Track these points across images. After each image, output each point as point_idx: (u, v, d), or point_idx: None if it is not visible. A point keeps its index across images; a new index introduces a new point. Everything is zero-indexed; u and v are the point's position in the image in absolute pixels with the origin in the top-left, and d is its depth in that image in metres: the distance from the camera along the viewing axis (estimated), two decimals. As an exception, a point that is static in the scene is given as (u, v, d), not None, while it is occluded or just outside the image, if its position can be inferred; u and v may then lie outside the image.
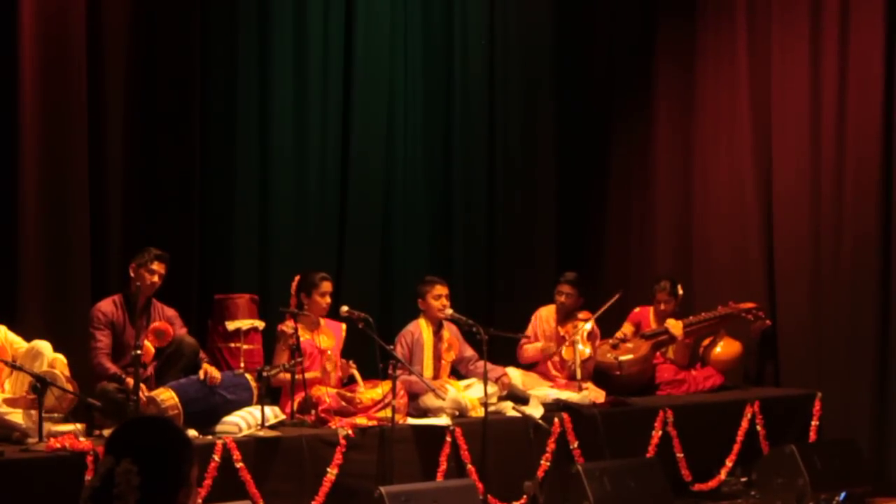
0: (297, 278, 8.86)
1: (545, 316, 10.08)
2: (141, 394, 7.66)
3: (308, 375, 8.46)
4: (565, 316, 9.98)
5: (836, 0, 10.24)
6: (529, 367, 9.95)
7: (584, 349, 9.70)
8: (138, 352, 7.69)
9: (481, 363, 8.97)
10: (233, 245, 10.00)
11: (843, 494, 9.03)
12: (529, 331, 10.06)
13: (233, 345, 9.13)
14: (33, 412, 7.43)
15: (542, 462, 8.70)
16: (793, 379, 10.33)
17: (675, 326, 10.02)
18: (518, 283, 11.24)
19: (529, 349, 9.92)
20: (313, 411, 8.36)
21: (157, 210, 9.47)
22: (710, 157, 11.09)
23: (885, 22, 9.94)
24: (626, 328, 10.21)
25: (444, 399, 8.68)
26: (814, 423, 9.89)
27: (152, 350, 8.09)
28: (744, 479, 9.40)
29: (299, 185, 10.38)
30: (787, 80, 10.55)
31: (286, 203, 10.30)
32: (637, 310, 10.39)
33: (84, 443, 7.19)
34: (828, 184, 10.27)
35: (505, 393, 9.06)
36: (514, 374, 9.56)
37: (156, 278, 8.30)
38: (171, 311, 8.50)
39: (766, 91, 10.70)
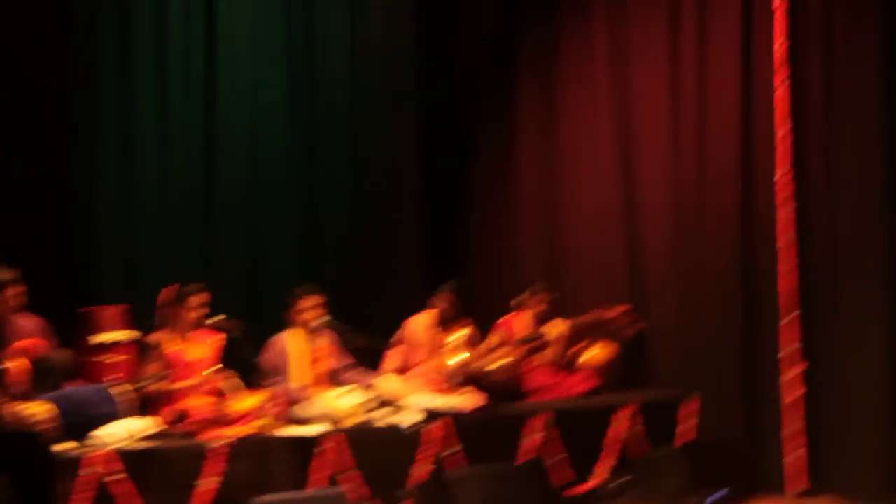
0: (166, 290, 8.72)
1: (417, 325, 10.03)
2: (9, 409, 7.47)
3: (179, 386, 8.32)
4: (445, 323, 9.95)
5: (692, 9, 10.36)
6: (408, 373, 9.88)
7: (463, 355, 9.67)
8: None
9: (355, 371, 8.85)
10: (100, 255, 9.86)
11: (720, 493, 9.08)
12: (398, 338, 10.01)
13: (99, 358, 8.93)
14: None
15: (419, 469, 8.62)
16: (667, 380, 10.38)
17: (553, 329, 10.05)
18: (385, 291, 11.20)
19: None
20: (186, 423, 8.21)
21: (19, 220, 9.27)
22: (574, 165, 11.17)
23: (740, 33, 10.08)
24: (496, 337, 10.19)
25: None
26: (691, 423, 9.94)
27: (24, 366, 7.90)
28: (622, 481, 9.41)
29: (164, 193, 10.26)
30: (646, 89, 10.67)
31: (151, 211, 10.17)
32: (504, 319, 10.39)
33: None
34: (689, 186, 10.40)
35: (381, 400, 8.98)
36: (393, 381, 9.48)
37: (12, 302, 8.11)
38: (37, 324, 8.29)
39: (627, 100, 10.83)
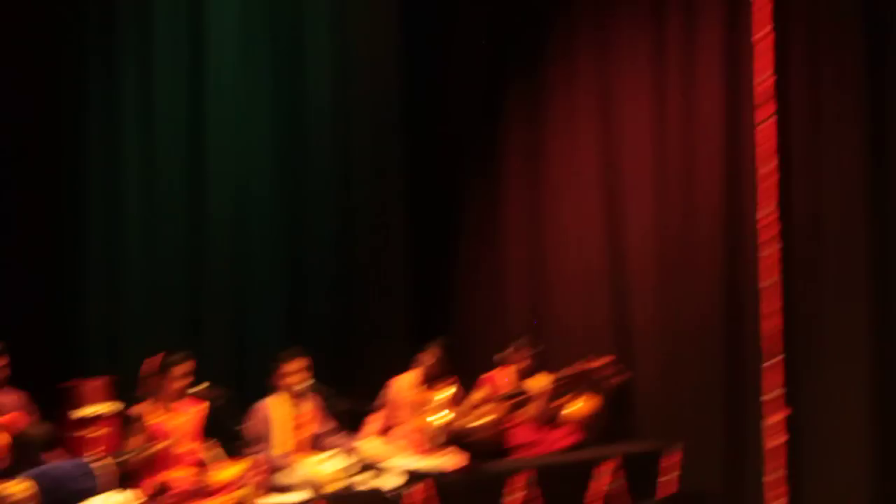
0: (149, 360, 8.78)
1: (400, 385, 10.08)
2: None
3: (162, 457, 8.38)
4: (430, 381, 10.00)
5: (677, 53, 10.46)
6: (390, 434, 9.93)
7: (447, 415, 9.72)
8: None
9: (338, 435, 8.91)
10: (84, 326, 9.93)
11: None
12: (381, 400, 10.06)
13: (82, 432, 9.00)
14: None
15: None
16: (649, 433, 10.43)
17: (535, 384, 10.10)
18: (370, 350, 11.24)
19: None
20: (166, 496, 8.28)
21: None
22: (559, 214, 11.23)
23: (724, 72, 10.18)
24: (479, 393, 10.24)
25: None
26: (673, 475, 9.98)
27: (4, 441, 7.97)
28: (604, 536, 9.47)
29: (150, 256, 10.35)
30: (631, 136, 10.76)
31: (135, 279, 10.25)
32: (487, 375, 10.43)
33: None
34: (673, 230, 10.47)
35: (363, 464, 9.03)
36: (376, 444, 9.54)
37: None
38: (18, 398, 8.37)
39: (612, 147, 10.90)
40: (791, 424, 9.73)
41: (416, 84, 11.91)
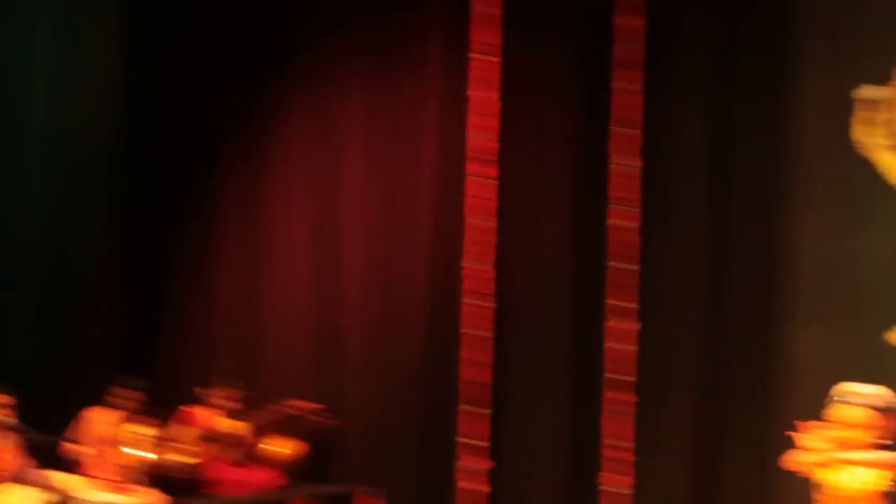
0: None
1: (98, 418, 9.80)
2: None
3: None
4: (129, 415, 9.75)
5: (394, 108, 10.59)
6: (86, 470, 9.63)
7: (144, 451, 9.49)
8: None
9: (35, 472, 8.58)
10: None
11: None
12: (78, 433, 9.76)
13: None
14: None
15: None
16: (353, 477, 10.42)
17: (237, 425, 9.98)
18: (73, 383, 10.91)
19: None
20: None
21: None
22: (273, 256, 11.12)
23: (439, 133, 10.37)
24: (180, 430, 10.05)
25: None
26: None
27: None
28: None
29: None
30: (347, 187, 10.77)
31: None
32: (190, 411, 10.26)
33: None
34: (385, 287, 10.56)
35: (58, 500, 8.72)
36: (71, 479, 9.23)
37: None
38: None
39: (329, 197, 10.88)
40: (494, 474, 9.93)
41: (133, 118, 11.59)
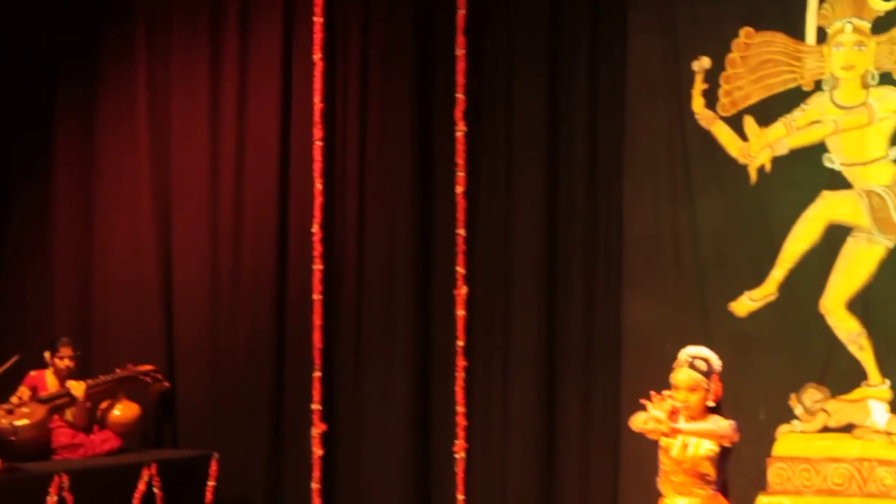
0: None
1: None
2: None
3: None
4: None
5: (233, 74, 10.56)
6: None
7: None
8: None
9: None
10: None
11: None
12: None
13: None
14: None
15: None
16: (191, 441, 10.44)
17: (76, 387, 9.89)
18: None
19: None
20: None
21: None
22: (111, 222, 11.00)
23: (280, 87, 10.38)
24: (23, 392, 9.93)
25: None
26: (210, 484, 10.03)
27: None
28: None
29: None
30: (186, 150, 10.68)
31: None
32: (33, 373, 10.11)
33: None
34: (226, 251, 10.54)
35: None
36: None
37: None
38: None
39: (166, 159, 10.77)
40: (331, 437, 10.03)
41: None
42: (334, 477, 10.05)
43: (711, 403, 6.35)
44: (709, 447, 6.24)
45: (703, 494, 6.30)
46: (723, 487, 6.38)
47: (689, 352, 6.48)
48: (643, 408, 6.22)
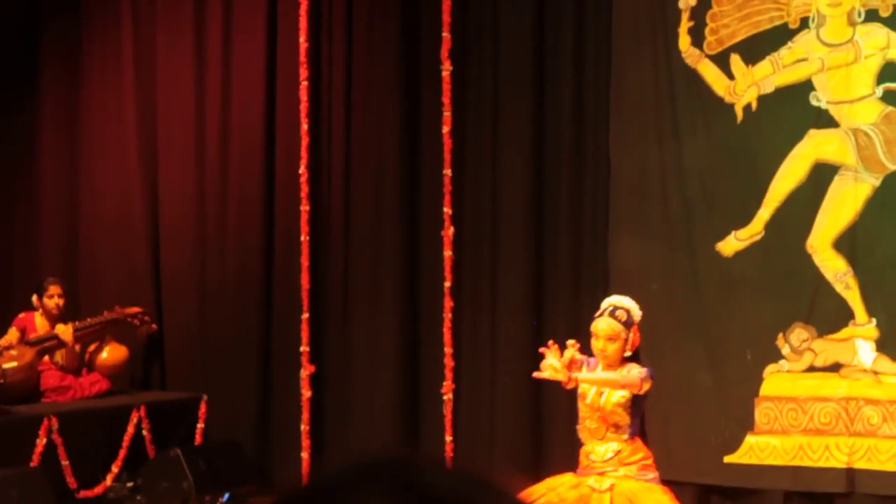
0: None
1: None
2: None
3: None
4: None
5: (219, 14, 10.48)
6: None
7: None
8: None
9: None
10: None
11: (226, 495, 9.29)
12: None
13: None
14: None
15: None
16: (179, 383, 10.47)
17: (64, 331, 9.91)
18: None
19: None
20: None
21: None
22: (98, 163, 10.98)
23: (265, 28, 10.33)
24: (11, 334, 9.95)
25: None
26: (199, 425, 10.08)
27: None
28: (130, 485, 9.44)
29: None
30: (172, 90, 10.67)
31: None
32: (21, 316, 10.15)
33: None
34: (213, 192, 10.51)
35: None
36: None
37: None
38: None
39: (152, 99, 10.76)
40: (320, 378, 10.03)
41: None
42: (323, 418, 10.07)
43: (629, 353, 6.46)
44: (620, 394, 6.34)
45: (619, 439, 6.40)
46: (640, 431, 6.49)
47: (610, 301, 6.59)
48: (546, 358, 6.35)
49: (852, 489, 8.59)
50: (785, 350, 8.83)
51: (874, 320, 8.70)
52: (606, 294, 9.06)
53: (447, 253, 9.71)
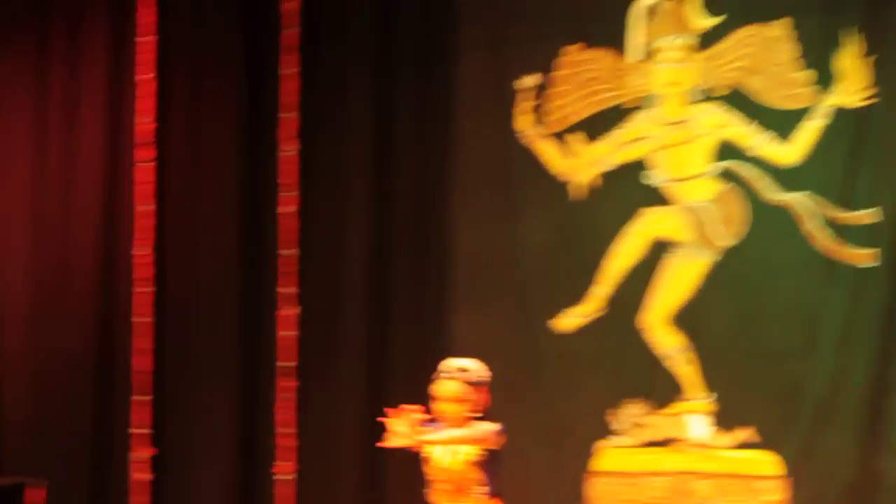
0: None
1: None
2: None
3: None
4: None
5: (61, 89, 10.31)
6: None
7: None
8: None
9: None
10: None
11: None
12: None
13: None
14: None
15: None
16: (19, 467, 10.14)
17: None
18: None
19: None
20: None
21: None
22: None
23: (107, 117, 10.21)
24: None
25: None
26: None
27: None
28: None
29: None
30: (12, 168, 10.40)
31: None
32: None
33: None
34: (49, 271, 10.26)
35: None
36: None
37: None
38: None
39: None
40: (159, 462, 9.84)
41: None
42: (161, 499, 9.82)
43: (478, 414, 6.35)
44: (470, 452, 6.21)
45: (476, 499, 6.25)
46: (499, 493, 6.34)
47: (452, 363, 6.50)
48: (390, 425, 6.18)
49: (688, 563, 8.52)
50: (618, 425, 8.77)
51: (712, 395, 8.68)
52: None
53: (283, 333, 9.61)
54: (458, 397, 6.30)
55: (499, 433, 6.23)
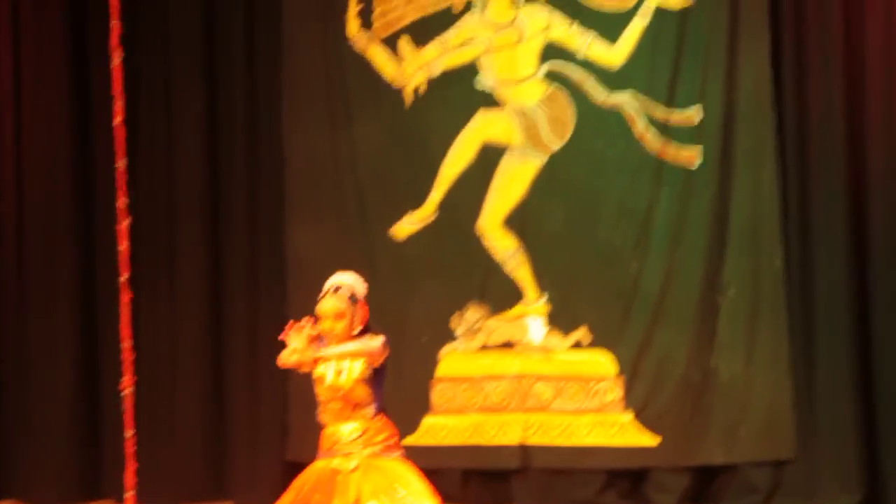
0: None
1: None
2: None
3: None
4: None
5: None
6: None
7: None
8: None
9: None
10: None
11: None
12: None
13: None
14: None
15: None
16: None
17: None
18: None
19: None
20: None
21: None
22: None
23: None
24: None
25: None
26: None
27: None
28: None
29: None
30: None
31: None
32: None
33: None
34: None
35: None
36: None
37: None
38: None
39: None
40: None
41: None
42: (1, 422, 9.74)
43: (358, 329, 6.30)
44: (360, 370, 6.18)
45: (364, 417, 6.25)
46: (383, 408, 6.35)
47: (333, 280, 6.40)
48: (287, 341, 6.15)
49: (527, 465, 8.73)
50: (459, 331, 8.91)
51: (545, 296, 8.82)
52: (284, 282, 9.11)
53: (122, 246, 9.49)
54: (337, 313, 6.25)
55: (385, 345, 6.21)
